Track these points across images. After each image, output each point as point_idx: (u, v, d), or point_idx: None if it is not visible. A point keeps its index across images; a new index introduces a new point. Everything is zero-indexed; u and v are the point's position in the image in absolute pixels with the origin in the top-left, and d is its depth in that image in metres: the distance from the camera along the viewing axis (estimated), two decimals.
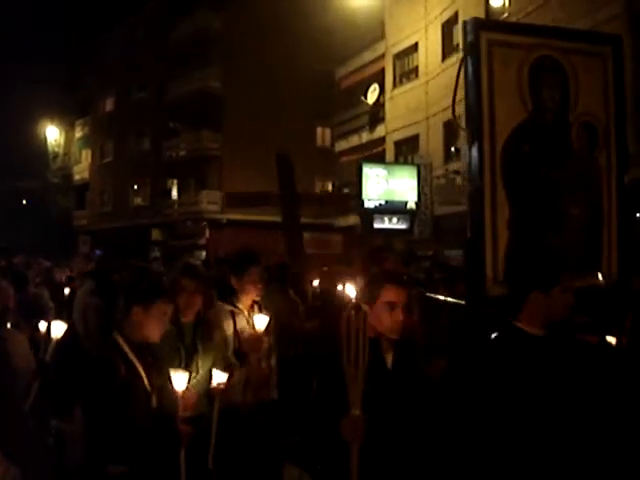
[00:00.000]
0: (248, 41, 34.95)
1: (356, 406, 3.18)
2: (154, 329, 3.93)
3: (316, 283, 9.95)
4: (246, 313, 5.48)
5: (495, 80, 4.93)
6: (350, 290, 3.33)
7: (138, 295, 3.94)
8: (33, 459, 3.88)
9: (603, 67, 5.30)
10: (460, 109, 5.24)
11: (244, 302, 5.55)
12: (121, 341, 3.86)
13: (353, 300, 3.47)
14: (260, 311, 5.51)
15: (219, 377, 4.62)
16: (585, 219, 5.11)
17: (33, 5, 55.33)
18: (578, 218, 5.09)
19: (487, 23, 4.93)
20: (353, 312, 3.32)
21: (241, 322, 5.46)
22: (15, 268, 12.17)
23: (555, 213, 5.04)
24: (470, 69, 4.97)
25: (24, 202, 56.87)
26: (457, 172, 23.43)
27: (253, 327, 5.37)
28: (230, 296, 5.61)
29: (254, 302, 5.58)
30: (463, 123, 5.08)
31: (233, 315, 5.49)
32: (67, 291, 9.90)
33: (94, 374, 3.76)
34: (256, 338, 5.30)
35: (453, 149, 25.51)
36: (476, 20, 5.12)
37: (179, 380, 4.00)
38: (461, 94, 5.05)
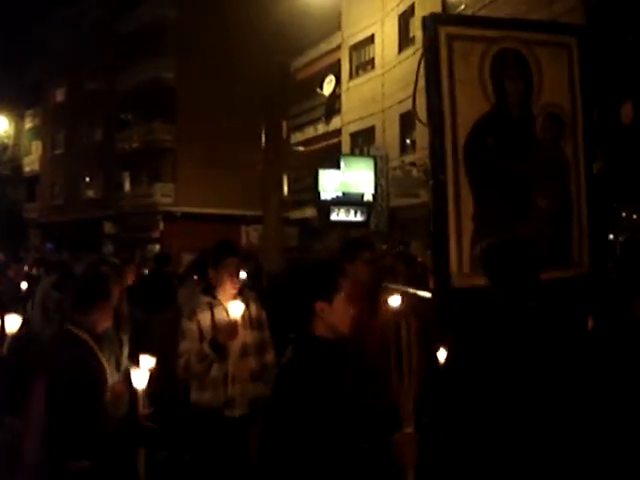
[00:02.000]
0: (202, 31, 34.61)
1: (409, 423, 2.95)
2: (107, 322, 4.21)
3: None
4: (226, 305, 5.36)
5: (456, 74, 4.89)
6: (394, 301, 3.17)
7: (105, 291, 4.20)
8: None
9: (568, 57, 5.26)
10: (419, 102, 5.18)
11: (225, 294, 5.44)
12: (85, 336, 3.87)
13: (398, 310, 3.29)
14: (244, 303, 5.38)
15: (147, 362, 4.39)
16: (553, 210, 5.08)
17: None
18: (545, 209, 5.05)
19: (446, 18, 4.96)
20: (403, 323, 3.10)
21: (220, 314, 5.36)
22: None
23: (521, 205, 5.00)
24: (430, 64, 4.93)
25: None
26: (413, 164, 23.51)
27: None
28: (212, 288, 5.53)
29: (237, 294, 5.47)
30: (422, 117, 5.03)
31: (211, 307, 5.42)
32: (24, 286, 9.72)
33: (69, 369, 3.81)
34: (229, 326, 5.18)
35: (409, 141, 25.62)
36: (434, 15, 5.12)
37: (141, 375, 4.04)
38: (420, 86, 5.00)
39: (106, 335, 4.24)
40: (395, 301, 3.30)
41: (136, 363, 4.29)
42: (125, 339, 4.66)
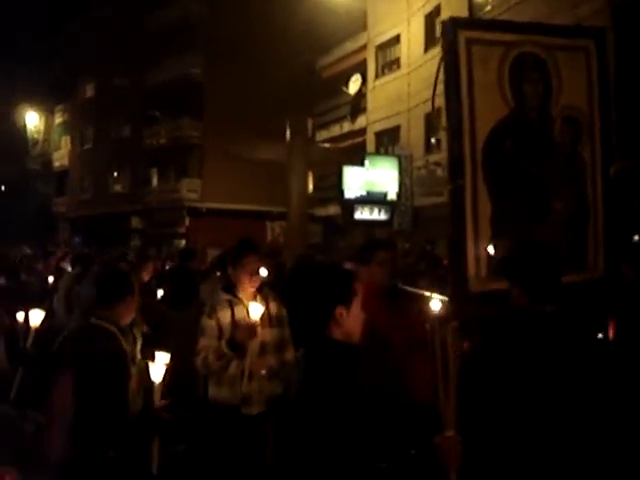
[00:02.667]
0: (230, 28, 34.66)
1: (450, 426, 2.96)
2: (129, 316, 4.35)
3: None
4: (246, 302, 5.41)
5: (475, 78, 4.92)
6: (435, 304, 3.20)
7: (130, 286, 4.38)
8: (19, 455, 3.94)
9: (586, 61, 5.28)
10: (441, 101, 5.24)
11: (245, 292, 5.50)
12: (113, 328, 4.06)
13: (438, 312, 3.33)
14: (263, 300, 5.46)
15: (162, 358, 4.47)
16: (569, 214, 5.11)
17: None
18: (562, 213, 5.08)
19: (465, 22, 4.96)
20: (442, 328, 3.14)
21: (240, 312, 5.41)
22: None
23: (538, 209, 5.03)
24: (449, 68, 4.97)
25: (3, 189, 56.36)
26: (438, 163, 23.47)
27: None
28: (232, 286, 5.58)
29: (257, 292, 5.53)
30: (444, 117, 5.09)
31: (231, 304, 5.47)
32: (52, 279, 9.90)
33: (101, 361, 3.93)
34: (248, 327, 5.24)
35: (434, 140, 25.55)
36: (454, 19, 5.12)
37: (158, 369, 4.14)
38: (441, 88, 5.07)
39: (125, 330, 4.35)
40: (435, 305, 3.32)
41: (151, 358, 4.37)
42: (138, 334, 4.71)
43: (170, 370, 4.47)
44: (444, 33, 5.09)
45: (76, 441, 3.82)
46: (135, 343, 4.40)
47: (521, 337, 3.52)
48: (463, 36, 4.94)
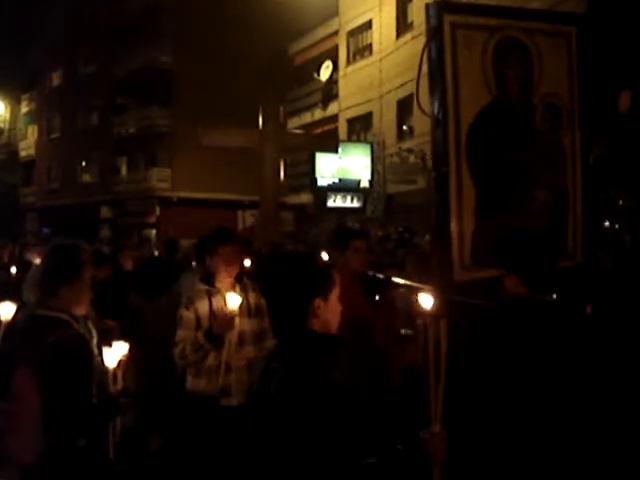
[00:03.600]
0: (199, 14, 34.33)
1: (437, 421, 2.94)
2: (82, 304, 4.10)
3: None
4: (224, 293, 5.29)
5: (459, 64, 4.83)
6: (426, 300, 3.20)
7: (74, 269, 4.07)
8: None
9: (567, 47, 5.23)
10: (421, 91, 5.13)
11: (223, 282, 5.40)
12: (63, 315, 3.93)
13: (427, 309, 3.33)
14: (242, 291, 5.36)
15: (120, 347, 4.33)
16: (550, 201, 5.07)
17: None
18: (543, 200, 5.04)
19: (450, 5, 4.82)
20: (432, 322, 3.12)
21: (218, 302, 5.31)
22: None
23: (520, 196, 4.99)
24: (434, 54, 4.86)
25: None
26: (410, 150, 23.50)
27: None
28: (210, 276, 5.50)
29: (236, 281, 5.44)
30: (424, 104, 4.99)
31: (209, 295, 5.38)
32: (14, 270, 9.69)
33: (81, 353, 3.82)
34: (225, 317, 5.14)
35: (406, 127, 25.56)
36: (439, 3, 4.95)
37: (112, 355, 4.05)
38: (421, 74, 4.95)
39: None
40: (425, 300, 3.33)
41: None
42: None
43: (143, 360, 4.40)
44: (428, 17, 4.92)
45: (46, 433, 3.72)
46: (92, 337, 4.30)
47: (525, 327, 3.47)
48: (448, 20, 4.83)
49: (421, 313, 3.34)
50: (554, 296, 3.63)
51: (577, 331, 3.57)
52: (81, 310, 4.09)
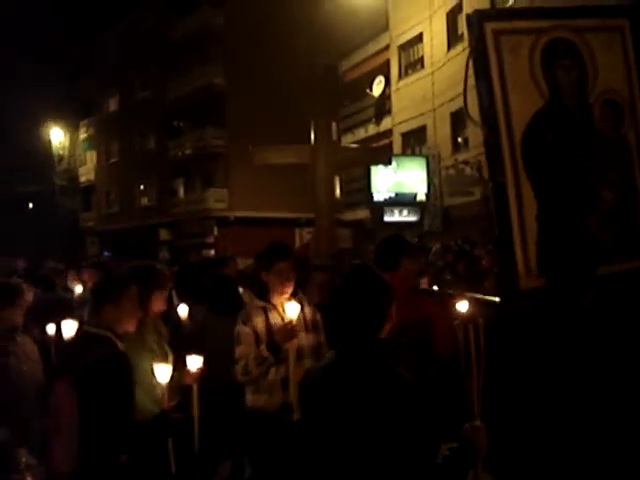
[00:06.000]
0: (250, 36, 34.78)
1: (478, 416, 3.13)
2: (128, 321, 4.20)
3: None
4: (280, 309, 5.28)
5: (506, 70, 4.71)
6: (462, 306, 3.41)
7: (118, 289, 4.23)
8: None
9: (622, 41, 5.03)
10: (471, 101, 5.04)
11: (279, 298, 5.37)
12: (107, 333, 4.05)
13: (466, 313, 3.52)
14: (299, 305, 5.29)
15: (195, 362, 4.45)
16: (619, 201, 4.88)
17: (33, 6, 55.16)
18: (611, 201, 4.86)
19: (490, 13, 4.74)
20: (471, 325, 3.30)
21: (274, 318, 5.28)
22: (41, 272, 12.10)
23: (587, 199, 4.82)
24: (479, 63, 4.77)
25: (30, 206, 56.92)
26: (466, 162, 23.28)
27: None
28: (265, 292, 5.45)
29: (292, 297, 5.37)
30: (474, 115, 4.88)
31: (265, 311, 5.33)
32: (79, 291, 9.81)
33: (120, 371, 3.87)
34: (285, 327, 5.09)
35: (461, 139, 25.39)
36: (478, 12, 4.89)
37: (163, 372, 4.08)
38: (470, 84, 4.86)
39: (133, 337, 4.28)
40: (463, 305, 3.46)
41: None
42: (153, 341, 4.64)
43: (206, 377, 4.45)
44: (469, 27, 4.85)
45: (85, 449, 3.80)
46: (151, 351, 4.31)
47: (555, 332, 3.50)
48: (490, 28, 4.74)
49: (460, 316, 3.49)
50: (587, 303, 3.58)
51: (613, 338, 3.54)
52: (127, 328, 4.19)
